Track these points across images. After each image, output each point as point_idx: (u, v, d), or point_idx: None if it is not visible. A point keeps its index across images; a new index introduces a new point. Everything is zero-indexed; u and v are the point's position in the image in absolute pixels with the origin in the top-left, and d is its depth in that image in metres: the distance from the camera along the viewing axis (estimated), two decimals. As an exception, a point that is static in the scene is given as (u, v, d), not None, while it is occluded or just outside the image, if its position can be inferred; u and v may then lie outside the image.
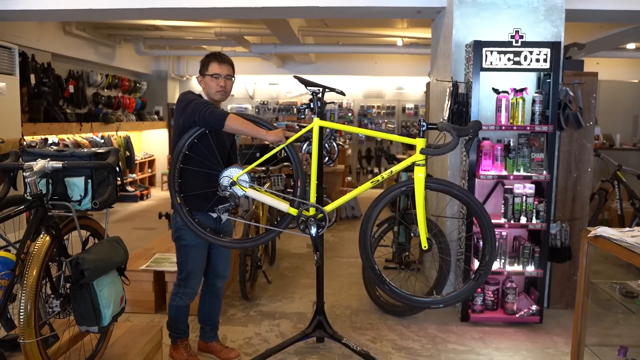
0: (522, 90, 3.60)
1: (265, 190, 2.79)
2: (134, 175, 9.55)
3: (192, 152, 2.73)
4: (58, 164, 2.14)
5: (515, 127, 3.59)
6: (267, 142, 2.80)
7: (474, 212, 2.58)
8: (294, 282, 4.65)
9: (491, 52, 3.53)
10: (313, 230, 2.69)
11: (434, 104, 4.87)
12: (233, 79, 2.89)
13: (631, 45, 8.44)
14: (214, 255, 3.02)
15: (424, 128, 2.51)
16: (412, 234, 3.95)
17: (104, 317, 2.16)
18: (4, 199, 2.25)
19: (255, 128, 2.66)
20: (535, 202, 3.61)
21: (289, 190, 5.44)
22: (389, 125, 11.14)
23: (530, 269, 3.67)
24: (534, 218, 3.61)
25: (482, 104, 3.73)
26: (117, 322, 2.43)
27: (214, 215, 2.83)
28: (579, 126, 3.76)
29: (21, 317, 1.94)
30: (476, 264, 3.49)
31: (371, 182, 2.69)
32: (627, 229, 2.33)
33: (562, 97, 3.68)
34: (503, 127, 3.59)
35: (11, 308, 2.15)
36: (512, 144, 3.64)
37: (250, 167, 2.71)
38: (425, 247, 2.57)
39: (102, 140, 8.30)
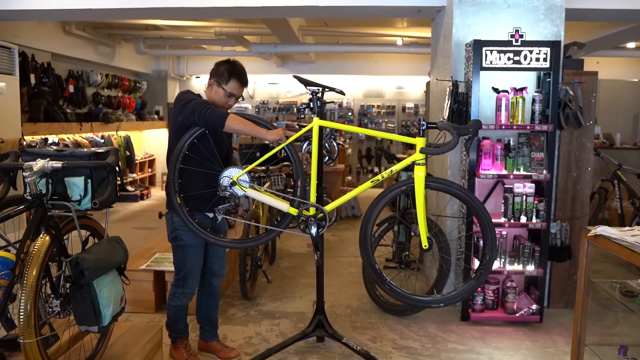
0: (522, 89, 3.60)
1: (265, 190, 2.79)
2: (134, 174, 9.55)
3: (192, 152, 2.73)
4: (58, 164, 2.14)
5: (515, 127, 3.59)
6: (267, 142, 2.80)
7: (474, 211, 2.58)
8: (294, 282, 4.66)
9: (491, 51, 3.53)
10: (313, 230, 2.69)
11: (434, 103, 4.87)
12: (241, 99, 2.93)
13: (631, 45, 8.43)
14: (209, 254, 3.02)
15: (423, 127, 2.51)
16: (412, 233, 3.95)
17: (104, 317, 2.16)
18: (4, 198, 2.25)
19: (256, 128, 2.66)
20: (536, 202, 3.60)
21: (289, 190, 5.44)
22: (389, 125, 11.14)
23: (531, 268, 3.66)
24: (534, 217, 3.60)
25: (482, 103, 3.73)
26: (117, 321, 2.43)
27: (211, 215, 2.84)
28: (579, 125, 3.76)
29: (21, 316, 1.95)
30: (476, 263, 3.50)
31: (371, 182, 2.68)
32: (627, 228, 2.32)
33: (562, 96, 3.68)
34: (503, 127, 3.59)
35: (11, 308, 2.15)
36: (512, 143, 3.63)
37: (250, 167, 2.71)
38: (425, 246, 2.57)
39: (102, 140, 8.30)
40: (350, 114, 11.20)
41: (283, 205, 2.72)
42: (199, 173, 2.73)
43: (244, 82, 2.87)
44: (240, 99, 2.94)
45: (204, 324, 3.16)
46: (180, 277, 2.92)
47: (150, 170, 10.44)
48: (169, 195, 2.81)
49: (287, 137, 2.65)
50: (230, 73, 2.81)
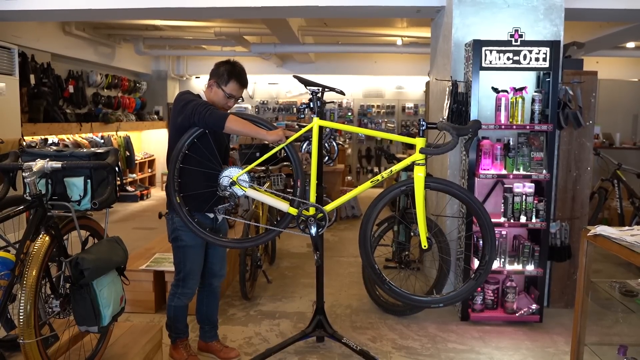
0: (521, 89, 3.60)
1: (265, 190, 2.79)
2: (134, 175, 9.55)
3: (191, 152, 2.73)
4: (57, 164, 2.14)
5: (514, 126, 3.59)
6: (267, 142, 2.80)
7: (474, 211, 2.58)
8: (294, 282, 4.66)
9: (490, 51, 3.53)
10: (313, 230, 2.69)
11: (433, 103, 4.87)
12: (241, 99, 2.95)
13: (631, 44, 8.43)
14: (209, 254, 3.02)
15: (423, 127, 2.51)
16: (412, 233, 3.95)
17: (104, 317, 2.16)
18: (4, 199, 2.25)
19: (256, 128, 2.67)
20: (535, 201, 3.60)
21: (288, 189, 5.44)
22: (388, 125, 11.14)
23: (530, 268, 3.67)
24: (533, 217, 3.60)
25: (482, 103, 3.73)
26: (117, 322, 2.43)
27: (211, 215, 2.83)
28: (578, 125, 3.76)
29: (21, 317, 1.95)
30: (476, 263, 3.50)
31: (371, 182, 2.68)
32: (627, 227, 2.32)
33: (561, 96, 3.68)
34: (502, 126, 3.59)
35: (11, 308, 2.15)
36: (511, 143, 3.63)
37: (250, 166, 2.71)
38: (425, 246, 2.57)
39: (102, 140, 8.30)
40: (350, 114, 11.21)
41: (283, 205, 2.72)
42: (198, 173, 2.73)
43: (243, 84, 2.87)
44: (239, 100, 2.95)
45: (204, 324, 3.16)
46: (181, 278, 2.92)
47: (150, 170, 10.44)
48: (169, 196, 2.81)
49: (287, 138, 2.65)
50: (230, 74, 2.81)
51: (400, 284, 3.52)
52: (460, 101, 3.66)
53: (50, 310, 2.17)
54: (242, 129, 2.66)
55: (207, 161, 2.72)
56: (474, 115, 3.57)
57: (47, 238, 2.08)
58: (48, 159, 2.15)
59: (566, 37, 4.01)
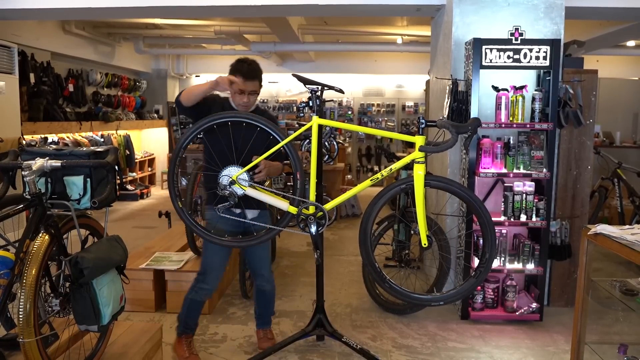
0: (521, 87, 3.60)
1: (265, 189, 2.79)
2: (134, 173, 9.55)
3: (207, 153, 2.83)
4: (57, 163, 2.13)
5: (515, 125, 3.59)
6: (216, 92, 2.80)
7: (474, 209, 2.57)
8: (294, 281, 4.65)
9: (491, 49, 3.52)
10: (313, 229, 2.68)
11: (433, 101, 4.87)
12: (257, 94, 2.92)
13: (631, 43, 8.42)
14: (247, 254, 3.15)
15: (423, 125, 2.51)
16: (412, 232, 3.95)
17: (104, 316, 2.16)
18: (3, 198, 2.25)
19: (200, 85, 2.74)
20: (535, 200, 3.60)
21: (289, 184, 5.44)
22: (388, 123, 11.14)
23: (530, 266, 3.66)
24: (533, 216, 3.60)
25: (482, 102, 3.73)
26: (117, 321, 2.43)
27: (238, 210, 2.84)
28: (579, 124, 3.76)
29: (20, 316, 1.94)
30: (476, 261, 3.49)
31: (371, 180, 2.68)
32: (627, 226, 2.32)
33: (562, 95, 3.68)
34: (503, 125, 3.59)
35: (11, 307, 2.15)
36: (512, 142, 3.63)
37: (249, 165, 2.70)
38: (425, 244, 2.57)
39: (102, 139, 8.29)
40: (350, 112, 11.20)
41: (282, 204, 2.72)
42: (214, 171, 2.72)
43: (245, 76, 2.82)
44: (256, 94, 2.91)
45: (256, 312, 3.32)
46: (201, 272, 3.01)
47: (150, 169, 10.44)
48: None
49: (229, 81, 2.69)
50: (231, 70, 2.85)
51: (401, 283, 3.52)
52: (460, 100, 3.66)
53: (50, 309, 2.17)
54: (191, 94, 2.74)
55: (217, 159, 2.72)
56: (474, 114, 3.56)
57: (46, 237, 2.08)
58: (47, 158, 2.14)
59: (566, 36, 4.00)
